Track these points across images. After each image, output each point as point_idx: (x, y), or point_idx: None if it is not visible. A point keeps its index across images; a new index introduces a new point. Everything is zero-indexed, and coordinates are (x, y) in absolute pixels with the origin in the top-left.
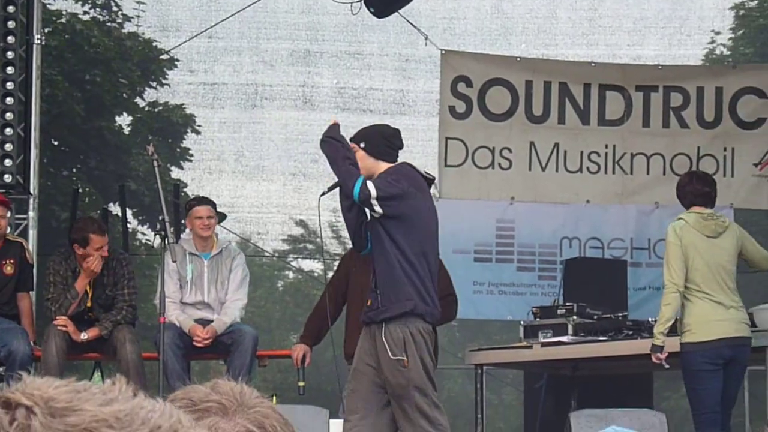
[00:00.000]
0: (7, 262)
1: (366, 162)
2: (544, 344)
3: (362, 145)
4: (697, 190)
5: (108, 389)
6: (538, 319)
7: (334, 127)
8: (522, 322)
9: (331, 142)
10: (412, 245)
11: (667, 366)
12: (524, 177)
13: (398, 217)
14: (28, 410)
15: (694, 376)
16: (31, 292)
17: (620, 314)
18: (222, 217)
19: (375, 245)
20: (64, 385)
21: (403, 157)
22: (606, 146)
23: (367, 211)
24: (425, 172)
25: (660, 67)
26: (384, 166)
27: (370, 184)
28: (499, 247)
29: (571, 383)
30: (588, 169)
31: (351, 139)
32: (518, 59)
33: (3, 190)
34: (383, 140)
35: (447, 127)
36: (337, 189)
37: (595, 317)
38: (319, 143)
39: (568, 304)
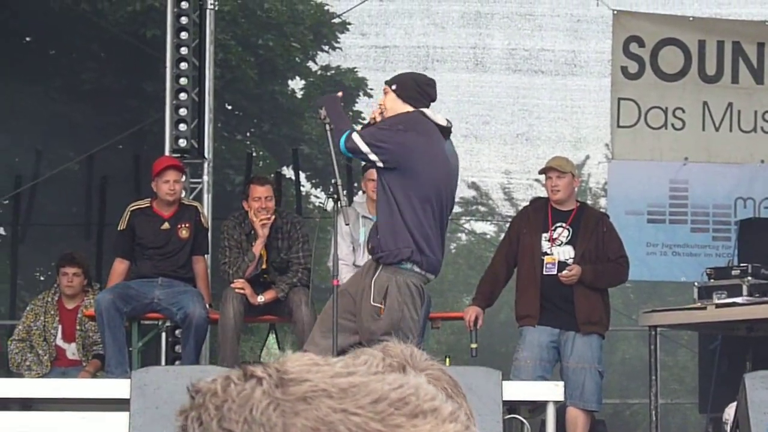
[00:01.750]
0: (183, 225)
1: (395, 104)
2: (718, 305)
3: (393, 87)
4: None
5: (355, 363)
6: (712, 280)
7: (334, 98)
8: (696, 283)
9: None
10: (415, 193)
11: None
12: (697, 137)
13: (397, 167)
14: (258, 381)
15: None
16: (206, 256)
17: None
18: None
19: (378, 192)
20: (308, 359)
21: (575, 117)
22: None
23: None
24: (445, 121)
25: None
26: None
27: (354, 136)
28: (672, 208)
29: (746, 344)
30: (762, 128)
31: (386, 82)
32: (691, 19)
33: (178, 155)
34: (415, 85)
35: (619, 87)
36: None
37: None
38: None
39: (742, 264)
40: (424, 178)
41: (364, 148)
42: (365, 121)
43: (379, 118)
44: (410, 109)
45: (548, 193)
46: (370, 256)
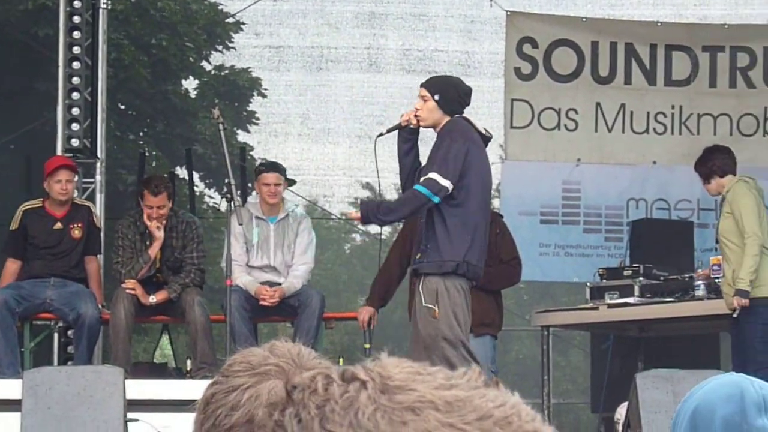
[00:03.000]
0: (75, 225)
1: (435, 114)
2: (610, 305)
3: (436, 97)
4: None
5: (454, 376)
6: (604, 281)
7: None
8: (588, 284)
9: (373, 214)
10: (470, 203)
11: (735, 316)
12: (590, 138)
13: (459, 181)
14: (362, 384)
15: None
16: (98, 256)
17: (687, 275)
18: (291, 183)
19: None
20: (408, 366)
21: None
22: (672, 107)
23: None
24: (483, 130)
25: (726, 26)
26: (447, 119)
27: (439, 180)
28: (565, 209)
29: (638, 344)
30: (654, 129)
31: (425, 87)
32: (584, 20)
33: (70, 155)
34: (458, 98)
35: (512, 88)
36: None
37: (662, 278)
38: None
39: (634, 265)
40: (475, 187)
41: (446, 183)
42: (257, 121)
43: (414, 122)
44: (447, 118)
45: None
46: (412, 270)
